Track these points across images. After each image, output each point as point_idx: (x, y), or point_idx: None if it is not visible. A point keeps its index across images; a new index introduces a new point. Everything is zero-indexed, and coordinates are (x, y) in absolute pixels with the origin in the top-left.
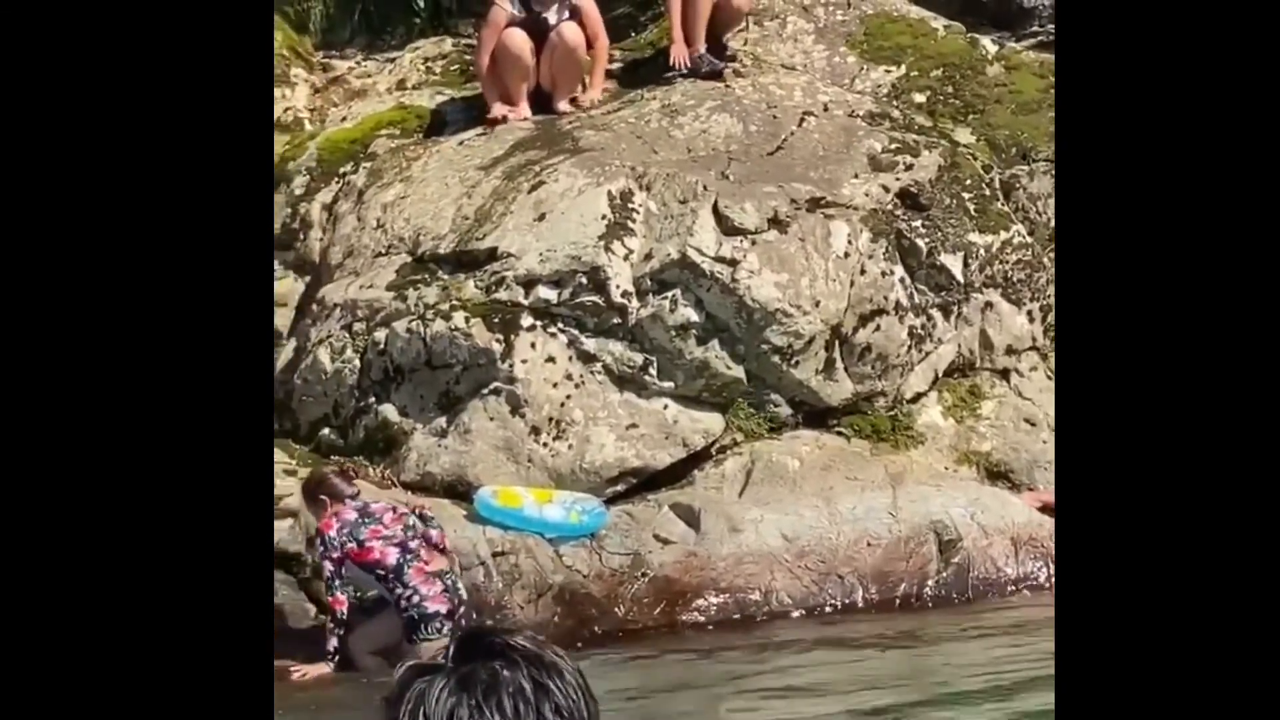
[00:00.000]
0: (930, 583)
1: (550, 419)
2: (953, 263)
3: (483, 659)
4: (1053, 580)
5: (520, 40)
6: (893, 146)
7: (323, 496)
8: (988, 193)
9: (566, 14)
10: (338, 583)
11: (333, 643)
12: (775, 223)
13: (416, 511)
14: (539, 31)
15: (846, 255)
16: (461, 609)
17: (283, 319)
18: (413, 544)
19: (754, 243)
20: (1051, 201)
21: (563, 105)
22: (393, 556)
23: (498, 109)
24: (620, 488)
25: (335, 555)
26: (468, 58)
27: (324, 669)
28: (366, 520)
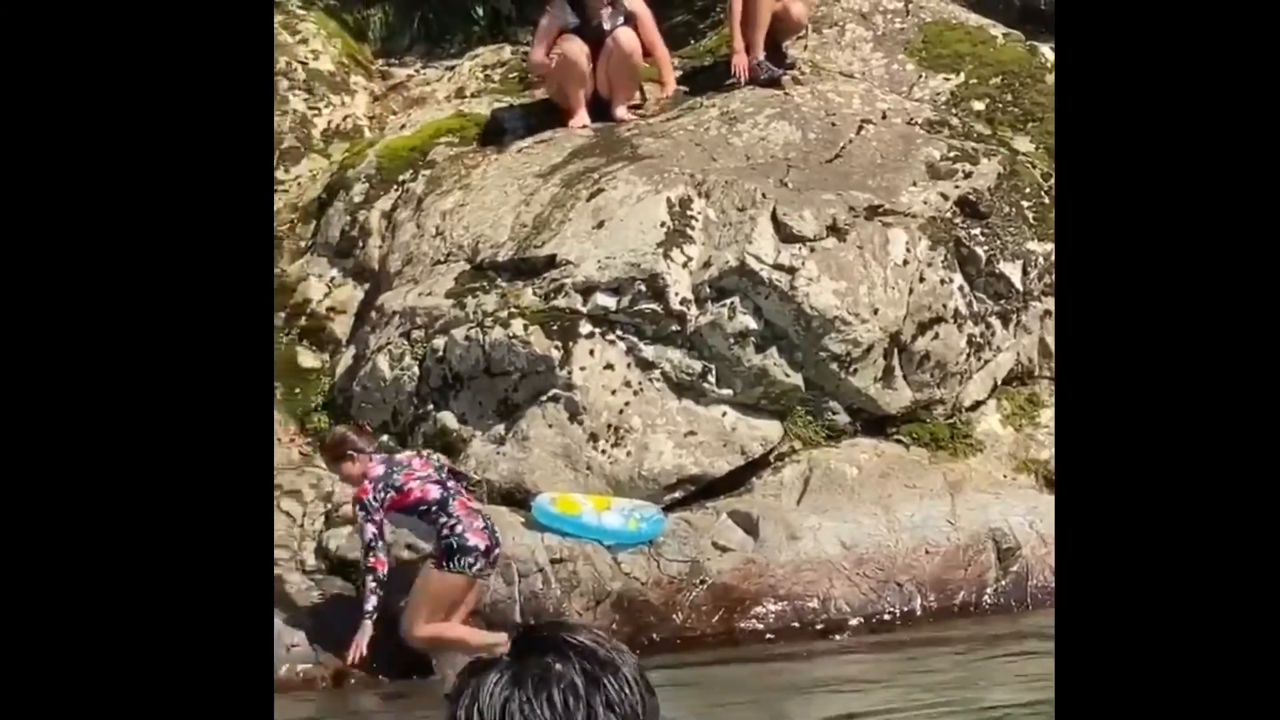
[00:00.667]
0: (989, 591)
1: (609, 426)
2: (1012, 270)
3: (538, 654)
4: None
5: (577, 48)
6: (951, 154)
7: (349, 453)
8: (1047, 201)
9: (621, 20)
10: (379, 544)
11: (372, 601)
12: (834, 230)
13: (445, 468)
14: (595, 39)
15: (905, 263)
16: (497, 551)
17: (341, 326)
18: (450, 482)
19: (813, 250)
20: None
21: (621, 112)
22: (435, 492)
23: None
24: (678, 495)
25: (377, 517)
26: (526, 65)
27: (368, 630)
28: (397, 468)
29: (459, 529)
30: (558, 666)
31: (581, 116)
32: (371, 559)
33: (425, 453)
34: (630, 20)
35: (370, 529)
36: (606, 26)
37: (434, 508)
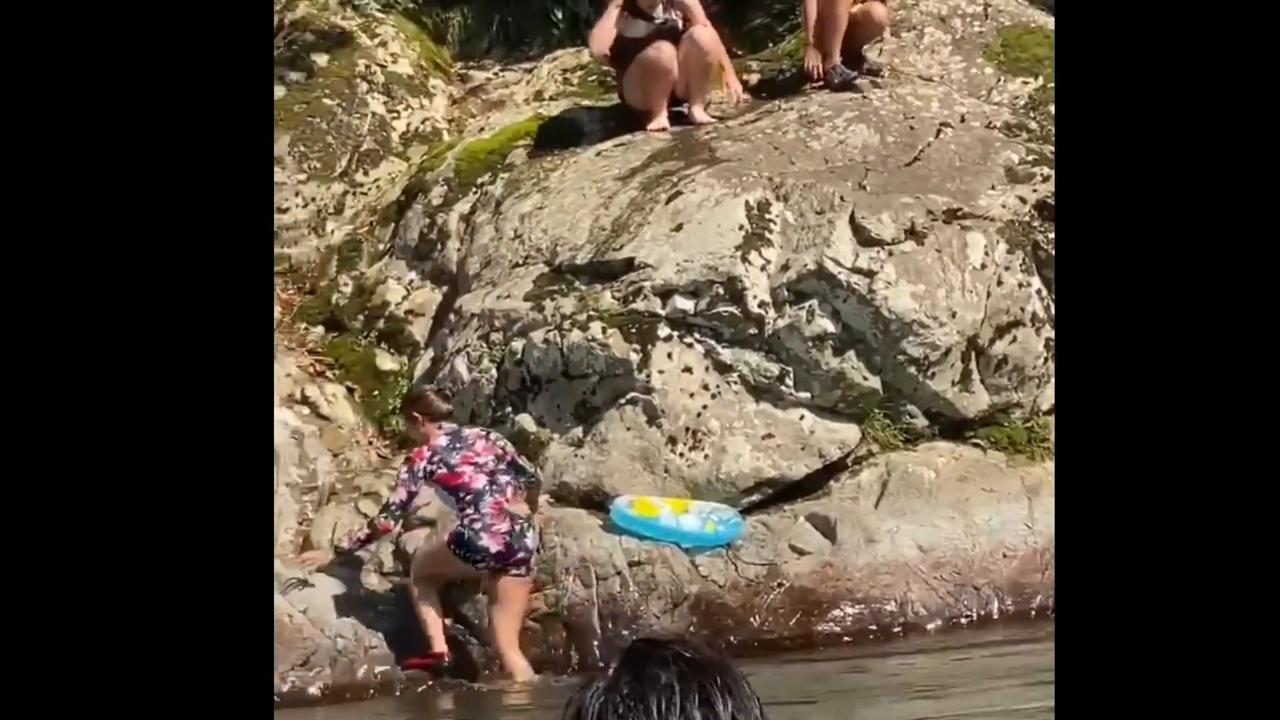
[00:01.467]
0: None
1: (687, 429)
2: None
3: (638, 663)
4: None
5: (668, 53)
6: (1030, 158)
7: (417, 414)
8: None
9: (677, 15)
10: (400, 512)
11: (350, 545)
12: (912, 234)
13: (508, 456)
14: (656, 37)
15: (983, 266)
16: (524, 554)
17: (420, 329)
18: (501, 478)
19: (891, 254)
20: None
21: (699, 113)
22: (479, 483)
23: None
24: (756, 498)
25: (415, 487)
26: (605, 69)
27: (320, 560)
28: (459, 445)
29: (478, 527)
30: (654, 672)
31: (661, 119)
32: (384, 520)
33: (493, 436)
34: (684, 13)
35: (402, 494)
36: (659, 18)
37: (469, 497)
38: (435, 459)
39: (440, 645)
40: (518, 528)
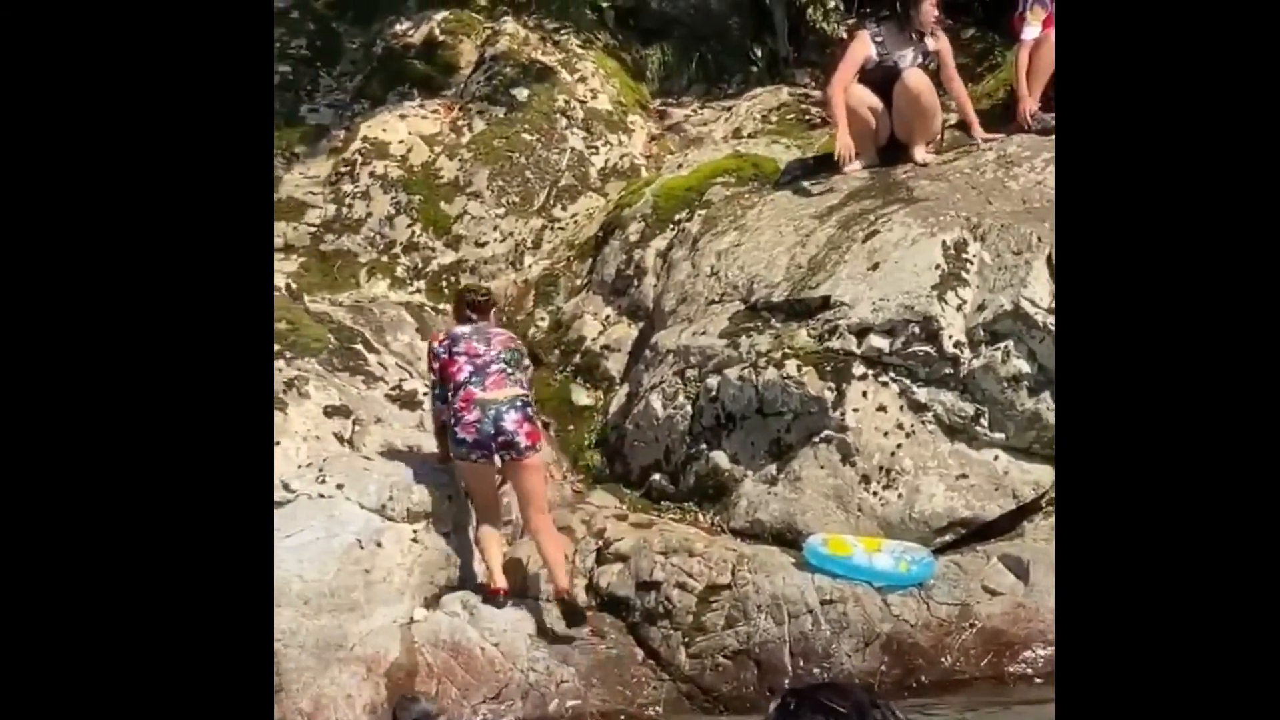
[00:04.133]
0: None
1: (880, 468)
2: None
3: (793, 704)
4: None
5: (862, 98)
6: None
7: (465, 305)
8: None
9: (920, 58)
10: (437, 393)
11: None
12: None
13: (518, 358)
14: (888, 78)
15: None
16: (498, 440)
17: (615, 364)
18: (491, 369)
19: None
20: None
21: (920, 154)
22: (463, 374)
23: (851, 164)
24: (949, 538)
25: (434, 365)
26: (804, 107)
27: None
28: (469, 337)
29: (454, 423)
30: (805, 712)
31: (857, 161)
32: (433, 410)
33: (514, 340)
34: (930, 58)
35: (431, 376)
36: (903, 66)
37: (451, 389)
38: (445, 341)
39: (499, 580)
40: (491, 412)
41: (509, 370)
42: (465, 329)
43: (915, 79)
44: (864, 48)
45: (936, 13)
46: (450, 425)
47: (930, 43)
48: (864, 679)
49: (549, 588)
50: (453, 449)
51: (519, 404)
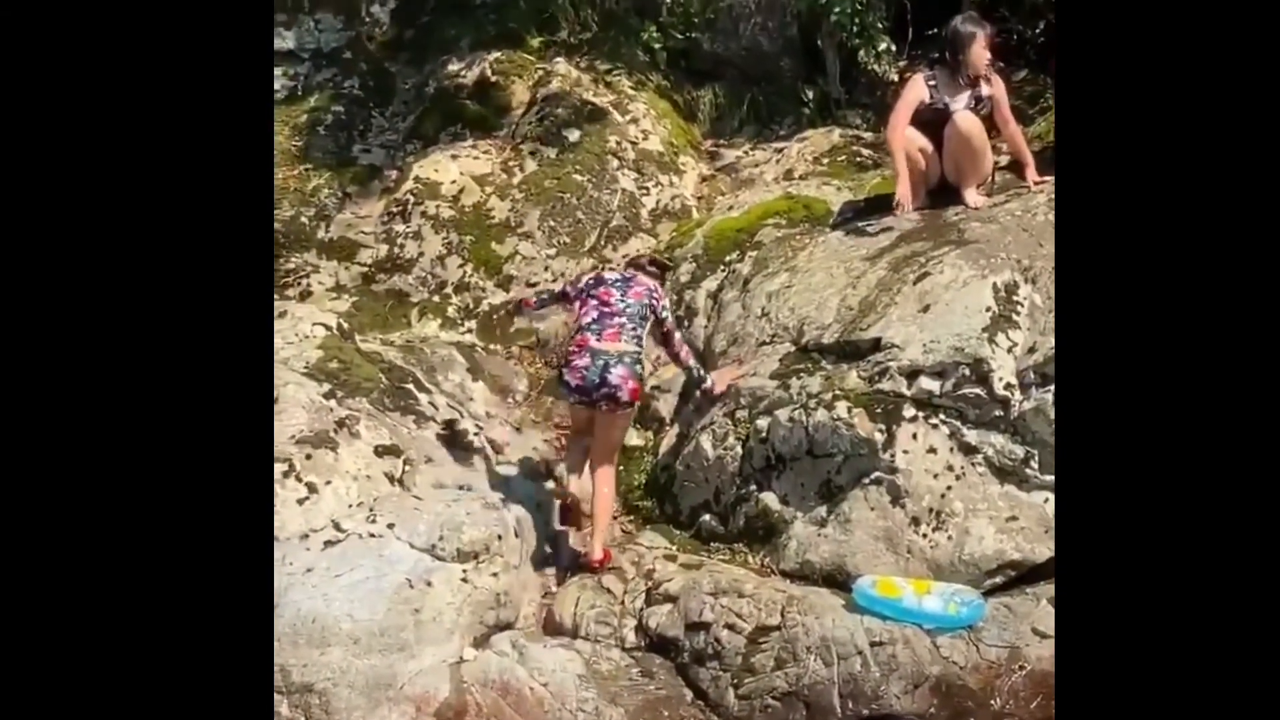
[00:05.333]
0: None
1: (930, 510)
2: None
3: None
4: None
5: (908, 140)
6: None
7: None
8: None
9: (973, 104)
10: (544, 296)
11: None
12: None
13: (656, 302)
14: (939, 120)
15: None
16: (603, 391)
17: (666, 405)
18: (614, 320)
19: None
20: None
21: (971, 197)
22: (589, 317)
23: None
24: (999, 580)
25: (569, 290)
26: (854, 148)
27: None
28: (614, 283)
29: (563, 363)
30: None
31: (907, 203)
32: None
33: (653, 293)
34: (984, 104)
35: (559, 286)
36: (955, 108)
37: (573, 328)
38: (591, 279)
39: (596, 552)
40: (600, 362)
41: (630, 325)
42: (615, 275)
43: (966, 121)
44: (918, 91)
45: (989, 56)
46: (559, 365)
47: (985, 88)
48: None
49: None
50: (557, 387)
51: (628, 360)
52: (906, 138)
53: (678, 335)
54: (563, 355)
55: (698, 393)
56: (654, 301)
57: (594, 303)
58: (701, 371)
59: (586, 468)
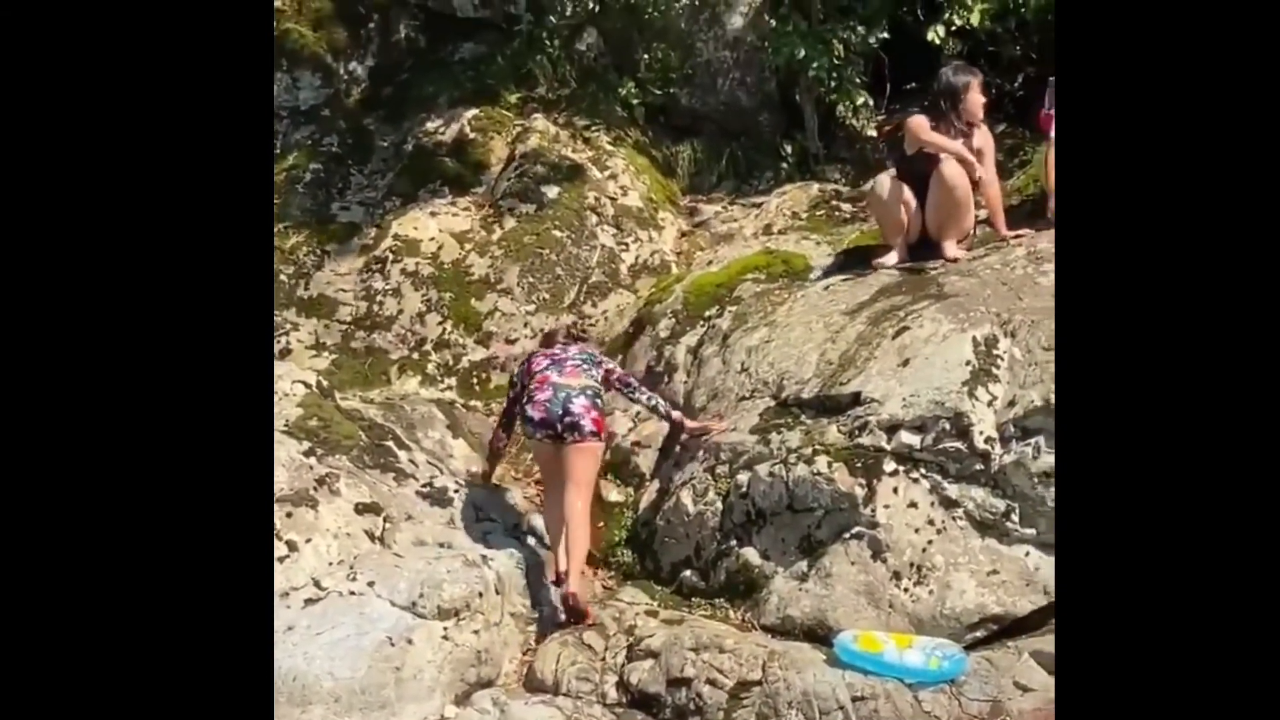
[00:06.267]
0: None
1: (911, 564)
2: None
3: None
4: None
5: (888, 188)
6: None
7: (554, 334)
8: None
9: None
10: (502, 420)
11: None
12: None
13: (597, 366)
14: (925, 172)
15: None
16: (565, 421)
17: (646, 460)
18: (569, 363)
19: None
20: None
21: (950, 249)
22: (541, 365)
23: (882, 258)
24: (980, 634)
25: (514, 379)
26: (833, 203)
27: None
28: (556, 349)
29: (525, 399)
30: None
31: (889, 256)
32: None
33: (592, 348)
34: (973, 155)
35: (511, 393)
36: (942, 157)
37: (529, 379)
38: (522, 361)
39: (563, 565)
40: (561, 395)
41: (585, 367)
42: (555, 349)
43: (952, 170)
44: (923, 122)
45: (984, 100)
46: (522, 404)
47: (977, 137)
48: None
49: (557, 590)
50: (521, 427)
51: (589, 392)
52: (888, 188)
53: (632, 378)
54: (524, 396)
55: (664, 423)
56: (593, 352)
57: (541, 359)
58: (661, 403)
59: (561, 529)
